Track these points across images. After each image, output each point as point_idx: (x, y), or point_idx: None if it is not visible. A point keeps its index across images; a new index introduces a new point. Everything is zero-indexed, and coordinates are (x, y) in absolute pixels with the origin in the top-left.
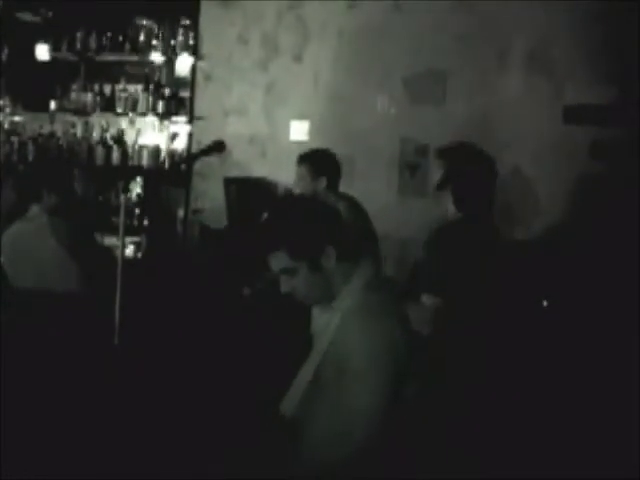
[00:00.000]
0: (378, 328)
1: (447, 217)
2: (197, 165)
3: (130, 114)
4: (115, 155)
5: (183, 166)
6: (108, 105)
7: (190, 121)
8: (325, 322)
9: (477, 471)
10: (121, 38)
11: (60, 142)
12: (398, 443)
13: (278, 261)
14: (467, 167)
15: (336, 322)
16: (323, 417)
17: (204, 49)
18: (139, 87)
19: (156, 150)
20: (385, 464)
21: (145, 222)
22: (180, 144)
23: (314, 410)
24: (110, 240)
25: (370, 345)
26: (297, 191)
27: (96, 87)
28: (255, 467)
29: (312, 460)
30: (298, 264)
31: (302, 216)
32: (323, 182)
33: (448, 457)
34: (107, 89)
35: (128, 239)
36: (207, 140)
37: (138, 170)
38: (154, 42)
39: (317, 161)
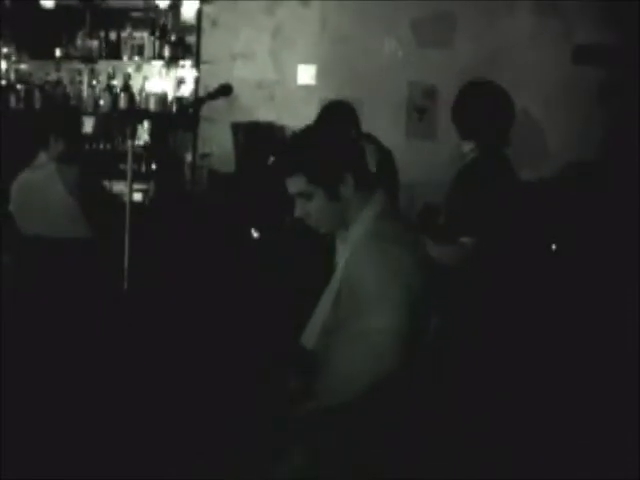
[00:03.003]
0: (385, 254)
1: (463, 157)
2: (204, 110)
3: (136, 60)
4: (122, 101)
5: (190, 110)
6: (114, 52)
7: (197, 66)
8: (342, 252)
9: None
10: None
11: (67, 89)
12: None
13: (296, 184)
14: (462, 103)
15: (349, 251)
16: (341, 348)
17: None
18: (145, 33)
19: (163, 96)
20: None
21: (153, 168)
22: (187, 89)
23: (333, 341)
24: (118, 186)
25: (377, 270)
26: None
27: (101, 34)
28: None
29: (334, 394)
30: (315, 189)
31: (324, 142)
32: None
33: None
34: (113, 35)
35: (136, 185)
36: (214, 85)
37: (145, 115)
38: None
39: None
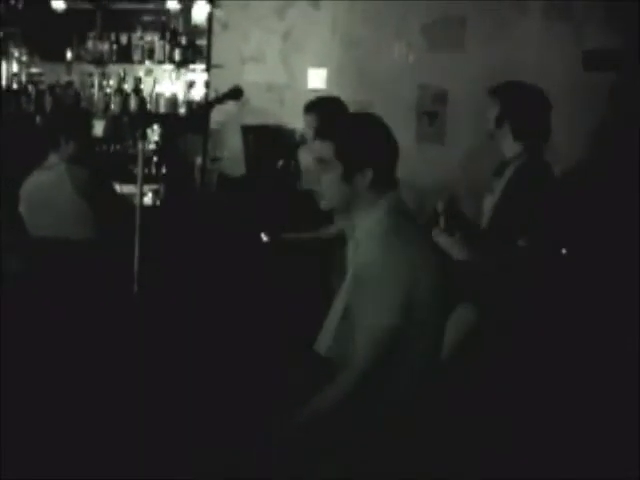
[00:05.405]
0: (393, 250)
1: (505, 156)
2: (215, 113)
3: (147, 63)
4: (132, 104)
5: (201, 113)
6: (125, 55)
7: (207, 69)
8: (351, 251)
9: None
10: None
11: (77, 92)
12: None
13: (322, 149)
14: (521, 100)
15: (357, 247)
16: (352, 353)
17: None
18: (155, 36)
19: (173, 99)
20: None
21: (163, 170)
22: (197, 92)
23: (345, 346)
24: (128, 188)
25: (383, 265)
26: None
27: (112, 36)
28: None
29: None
30: (336, 164)
31: (369, 130)
32: None
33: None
34: (124, 38)
35: (146, 187)
36: (224, 88)
37: (156, 118)
38: None
39: (322, 109)
